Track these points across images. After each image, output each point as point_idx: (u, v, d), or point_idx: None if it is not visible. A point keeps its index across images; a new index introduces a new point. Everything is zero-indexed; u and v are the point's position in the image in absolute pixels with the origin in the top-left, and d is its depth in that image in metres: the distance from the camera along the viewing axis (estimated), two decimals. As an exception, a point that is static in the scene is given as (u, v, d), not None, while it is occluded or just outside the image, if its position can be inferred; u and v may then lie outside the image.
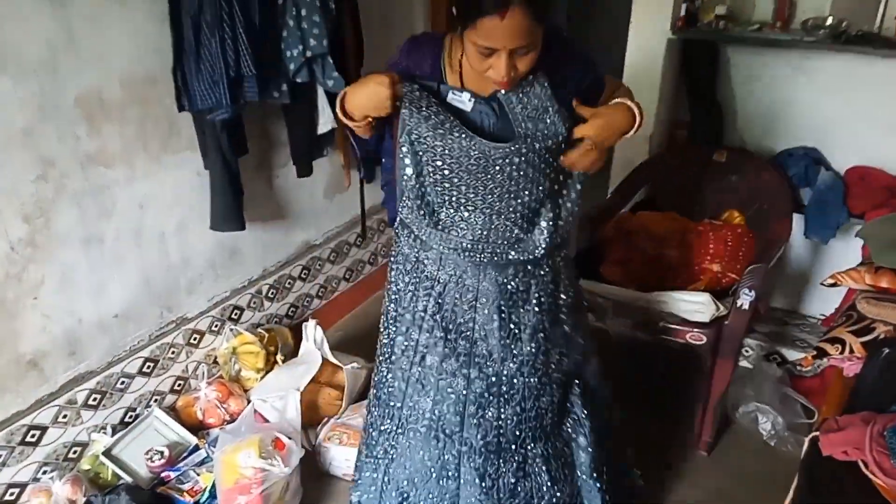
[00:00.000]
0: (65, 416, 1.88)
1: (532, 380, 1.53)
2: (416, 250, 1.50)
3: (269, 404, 2.14)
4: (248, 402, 2.19)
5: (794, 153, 2.60)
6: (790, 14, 2.53)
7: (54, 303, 1.81)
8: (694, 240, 2.31)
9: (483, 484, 1.55)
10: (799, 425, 2.25)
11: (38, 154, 1.70)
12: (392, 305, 1.58)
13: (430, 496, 1.59)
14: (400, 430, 1.61)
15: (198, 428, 2.12)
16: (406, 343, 1.55)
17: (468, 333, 1.50)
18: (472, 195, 1.36)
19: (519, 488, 1.58)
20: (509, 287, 1.47)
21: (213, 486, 1.87)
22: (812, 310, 2.80)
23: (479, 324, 1.49)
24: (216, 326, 2.31)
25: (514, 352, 1.50)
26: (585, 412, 1.63)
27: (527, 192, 1.36)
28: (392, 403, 1.61)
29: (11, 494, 1.79)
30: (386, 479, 1.65)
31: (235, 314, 2.38)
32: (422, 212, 1.40)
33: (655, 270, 2.28)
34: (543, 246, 1.42)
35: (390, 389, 1.61)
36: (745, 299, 1.99)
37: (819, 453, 1.52)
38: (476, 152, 1.31)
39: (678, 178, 2.60)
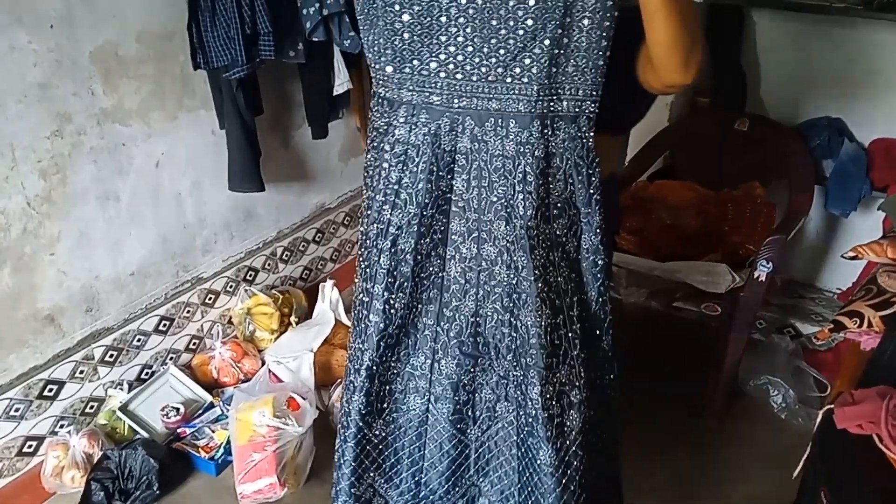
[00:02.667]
0: (82, 372, 1.91)
1: (510, 275, 1.23)
2: (385, 116, 1.25)
3: (283, 365, 2.16)
4: (263, 362, 2.21)
5: (817, 123, 2.55)
6: (820, -21, 2.46)
7: (71, 259, 1.82)
8: (712, 210, 2.29)
9: (457, 397, 1.33)
10: (811, 399, 2.24)
11: (54, 109, 1.69)
12: (365, 193, 1.33)
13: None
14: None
15: (212, 386, 2.15)
16: (378, 228, 1.29)
17: (445, 206, 1.24)
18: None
19: (500, 409, 1.32)
20: (489, 147, 1.18)
21: (228, 442, 1.90)
22: (829, 283, 2.77)
23: (458, 194, 1.23)
24: (231, 287, 2.32)
25: (496, 234, 1.21)
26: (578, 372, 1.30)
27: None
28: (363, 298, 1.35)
29: (30, 447, 1.83)
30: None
31: (250, 275, 2.39)
32: (388, 43, 1.16)
33: (671, 240, 2.26)
34: (529, 96, 1.13)
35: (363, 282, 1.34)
36: (762, 271, 1.97)
37: (832, 426, 1.52)
38: None
39: (698, 147, 2.56)
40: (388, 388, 1.39)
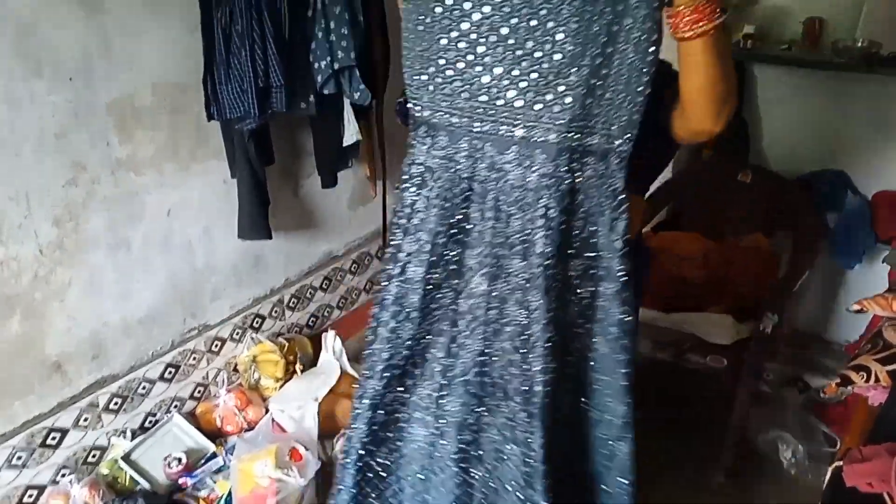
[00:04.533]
0: (86, 420, 1.90)
1: (521, 315, 1.16)
2: (410, 133, 1.21)
3: (287, 414, 2.15)
4: (267, 410, 2.20)
5: (820, 175, 2.58)
6: (820, 34, 2.51)
7: (80, 306, 1.84)
8: (717, 261, 2.30)
9: (461, 437, 1.26)
10: (821, 454, 2.21)
11: (70, 158, 1.73)
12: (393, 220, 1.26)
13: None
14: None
15: (216, 435, 2.13)
16: (390, 253, 1.24)
17: (459, 236, 1.18)
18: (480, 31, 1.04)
19: (507, 451, 1.25)
20: (508, 177, 1.11)
21: (230, 494, 1.87)
22: (836, 335, 2.76)
23: (472, 225, 1.16)
24: (237, 334, 2.32)
25: (510, 270, 1.15)
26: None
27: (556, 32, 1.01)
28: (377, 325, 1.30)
29: (30, 496, 1.81)
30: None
31: (257, 322, 2.40)
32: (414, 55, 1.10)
33: (677, 291, 2.27)
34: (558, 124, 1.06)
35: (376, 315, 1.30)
36: (767, 323, 1.97)
37: (842, 484, 1.49)
38: None
39: (702, 198, 2.58)
40: (393, 417, 1.33)
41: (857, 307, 1.86)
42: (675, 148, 1.31)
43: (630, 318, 1.20)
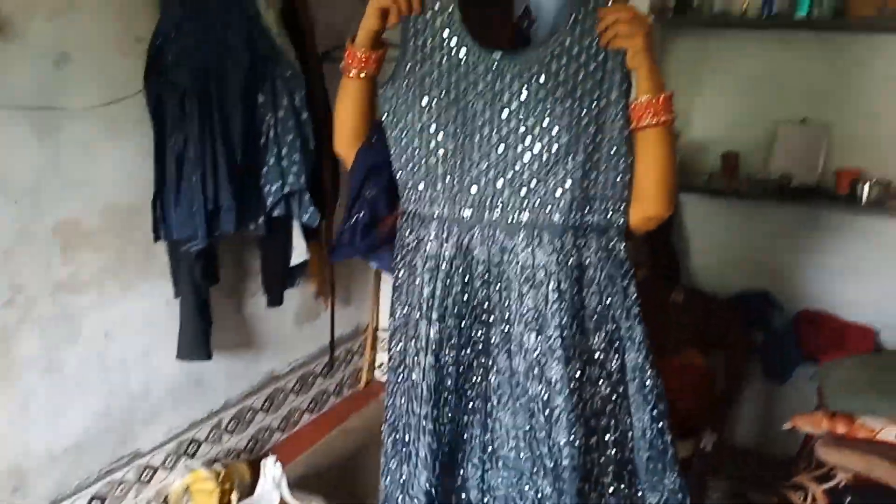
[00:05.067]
0: (-3, 561, 1.75)
1: (541, 389, 1.24)
2: (415, 231, 1.31)
3: (221, 547, 2.02)
4: (199, 544, 2.06)
5: (747, 295, 2.72)
6: (736, 167, 2.74)
7: (4, 434, 1.73)
8: (657, 379, 2.35)
9: None
10: (769, 574, 2.20)
11: (8, 280, 1.69)
12: (398, 311, 1.35)
13: None
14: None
15: (141, 574, 1.98)
16: (417, 346, 1.30)
17: (483, 317, 1.28)
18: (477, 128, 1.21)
19: None
20: (519, 258, 1.23)
21: None
22: (776, 450, 2.81)
23: (492, 304, 1.26)
24: (170, 462, 2.21)
25: (526, 346, 1.24)
26: None
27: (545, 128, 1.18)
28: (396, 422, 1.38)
29: None
30: None
31: (192, 448, 2.29)
32: (422, 161, 1.25)
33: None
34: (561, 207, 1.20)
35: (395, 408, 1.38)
36: (707, 441, 2.01)
37: None
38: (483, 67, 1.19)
39: (639, 317, 2.68)
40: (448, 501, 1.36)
41: (789, 425, 1.93)
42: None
43: (657, 382, 1.28)
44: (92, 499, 1.97)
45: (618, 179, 1.22)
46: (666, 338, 2.62)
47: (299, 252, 2.31)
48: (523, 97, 1.18)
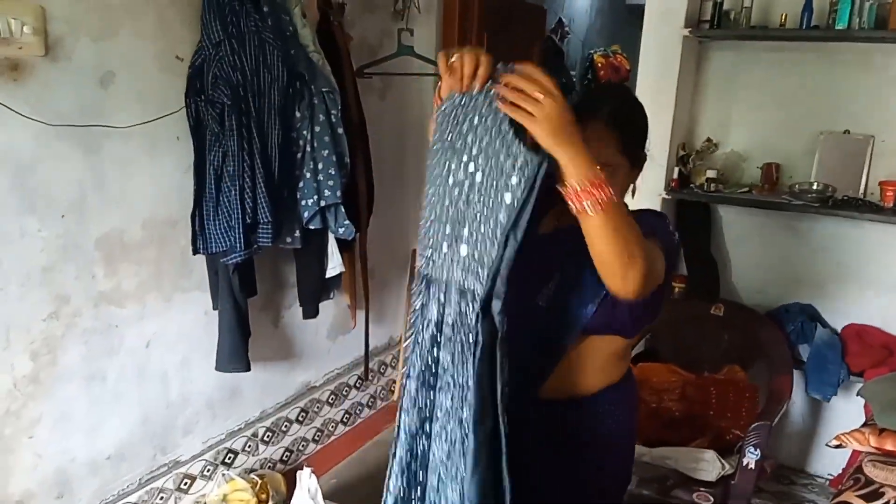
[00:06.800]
0: (41, 566, 1.79)
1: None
2: (422, 296, 1.28)
3: (257, 558, 2.04)
4: (235, 554, 2.08)
5: (790, 309, 2.65)
6: (777, 178, 2.69)
7: (49, 441, 1.78)
8: (695, 393, 2.31)
9: None
10: None
11: (53, 292, 1.74)
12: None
13: None
14: None
15: (179, 582, 2.01)
16: (421, 417, 1.26)
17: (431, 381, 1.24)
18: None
19: None
20: (448, 319, 1.18)
21: None
22: (819, 468, 2.73)
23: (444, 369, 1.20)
24: (208, 471, 2.24)
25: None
26: None
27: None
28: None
29: None
30: None
31: (229, 458, 2.32)
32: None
33: (657, 424, 2.26)
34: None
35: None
36: (750, 458, 1.96)
37: None
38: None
39: (678, 331, 2.64)
40: None
41: (835, 442, 1.87)
42: (659, 300, 1.37)
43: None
44: (132, 507, 2.01)
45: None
46: (705, 352, 2.57)
47: (334, 265, 2.33)
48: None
